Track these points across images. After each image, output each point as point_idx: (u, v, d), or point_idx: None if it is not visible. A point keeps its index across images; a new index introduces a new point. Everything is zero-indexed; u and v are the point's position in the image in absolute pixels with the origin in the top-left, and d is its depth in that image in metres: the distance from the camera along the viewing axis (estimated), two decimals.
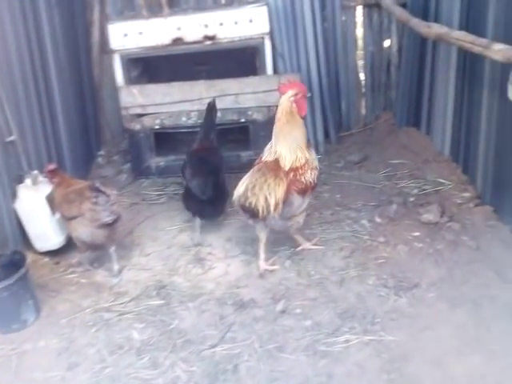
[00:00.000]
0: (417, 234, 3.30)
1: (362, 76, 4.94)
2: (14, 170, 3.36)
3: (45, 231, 3.34)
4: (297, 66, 4.52)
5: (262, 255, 3.17)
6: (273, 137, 3.13)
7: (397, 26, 4.75)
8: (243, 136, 4.49)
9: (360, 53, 4.94)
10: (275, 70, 4.42)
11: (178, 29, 4.30)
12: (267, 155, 3.15)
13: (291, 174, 3.04)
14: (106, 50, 4.81)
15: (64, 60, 4.20)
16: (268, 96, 4.29)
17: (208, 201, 3.41)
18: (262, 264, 3.16)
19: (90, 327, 2.86)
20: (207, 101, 4.27)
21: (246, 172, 3.72)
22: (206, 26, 4.28)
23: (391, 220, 3.49)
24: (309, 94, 3.25)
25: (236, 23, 4.23)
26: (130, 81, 4.44)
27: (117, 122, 4.94)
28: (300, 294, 2.93)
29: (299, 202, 3.09)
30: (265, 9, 4.23)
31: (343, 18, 4.78)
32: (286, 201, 3.01)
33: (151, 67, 4.77)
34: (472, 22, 3.51)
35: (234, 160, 4.39)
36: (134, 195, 4.20)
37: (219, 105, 4.30)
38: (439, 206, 3.46)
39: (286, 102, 3.04)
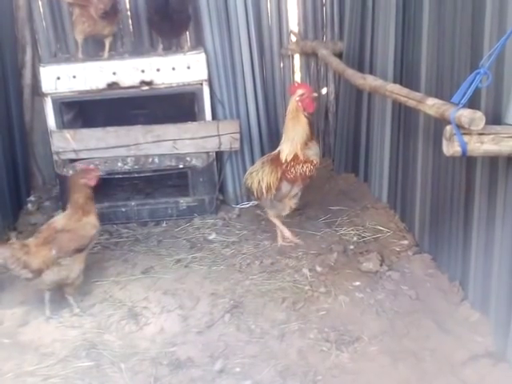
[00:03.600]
0: (357, 283, 3.26)
1: None
2: None
3: None
4: (236, 112, 4.50)
5: (285, 231, 3.75)
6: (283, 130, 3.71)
7: (334, 74, 4.85)
8: (182, 181, 4.41)
9: None
10: (214, 116, 4.37)
11: (114, 73, 4.19)
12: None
13: (285, 165, 3.61)
14: (38, 92, 4.64)
15: None
16: (207, 142, 4.24)
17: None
18: (288, 233, 3.74)
19: None
20: (144, 146, 4.20)
21: (185, 219, 4.21)
22: (143, 71, 4.19)
23: (332, 269, 3.44)
24: (315, 94, 3.77)
25: (173, 69, 4.18)
26: (63, 125, 4.26)
27: (48, 167, 4.74)
28: (240, 351, 2.80)
29: (287, 189, 3.64)
30: (203, 56, 4.21)
31: (281, 66, 4.85)
32: (278, 187, 3.59)
33: (85, 111, 4.62)
34: (406, 75, 3.62)
35: (172, 207, 4.28)
36: None
37: (156, 150, 4.23)
38: (378, 255, 3.46)
39: (293, 101, 3.60)
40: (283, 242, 3.79)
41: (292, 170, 3.61)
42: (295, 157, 3.61)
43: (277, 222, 3.77)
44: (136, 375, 2.69)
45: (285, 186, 3.63)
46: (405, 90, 2.87)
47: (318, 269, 3.46)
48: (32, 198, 4.60)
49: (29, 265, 2.97)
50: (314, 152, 3.68)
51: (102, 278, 3.52)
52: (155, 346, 2.90)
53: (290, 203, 3.69)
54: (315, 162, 3.67)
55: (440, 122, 2.94)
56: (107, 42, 4.35)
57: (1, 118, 4.16)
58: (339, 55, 4.53)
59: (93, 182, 3.27)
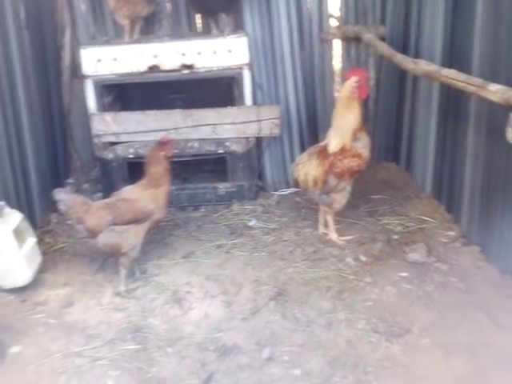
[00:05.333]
0: (404, 274, 3.20)
1: None
2: None
3: (11, 267, 3.09)
4: (275, 97, 4.44)
5: (333, 232, 3.59)
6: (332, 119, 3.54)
7: (375, 60, 4.74)
8: (219, 167, 4.37)
9: (338, 85, 4.91)
10: (254, 101, 4.31)
11: (155, 56, 4.14)
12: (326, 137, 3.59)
13: (332, 158, 3.42)
14: (76, 74, 4.62)
15: (33, 85, 3.99)
16: (247, 127, 4.18)
17: None
18: (334, 236, 3.57)
19: (59, 374, 2.61)
20: (184, 130, 4.16)
21: (224, 205, 4.12)
22: (184, 54, 4.14)
23: (376, 258, 3.39)
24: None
25: (214, 53, 4.12)
26: (103, 108, 4.24)
27: (86, 149, 4.74)
28: (287, 339, 2.77)
29: (334, 183, 3.44)
30: (244, 39, 4.14)
31: (321, 51, 4.75)
32: (324, 180, 3.42)
33: (125, 94, 4.60)
34: (456, 59, 3.50)
35: (211, 192, 4.24)
36: None
37: (196, 135, 4.18)
38: (425, 245, 3.39)
39: (348, 87, 3.41)
40: (336, 239, 3.60)
41: (339, 163, 3.41)
42: (343, 149, 3.42)
43: (329, 219, 3.61)
44: (183, 360, 2.68)
45: (332, 180, 3.45)
46: (462, 76, 2.77)
47: (363, 258, 3.41)
48: (71, 181, 4.60)
49: (84, 222, 3.09)
50: (363, 144, 3.48)
51: (144, 261, 3.51)
52: (200, 331, 2.88)
53: (338, 197, 3.51)
54: (364, 155, 3.47)
55: (493, 109, 2.86)
56: (138, 25, 4.31)
57: (41, 101, 4.14)
58: (381, 40, 4.42)
59: (171, 154, 3.34)
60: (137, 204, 3.20)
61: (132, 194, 3.26)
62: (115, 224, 3.13)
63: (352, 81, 3.43)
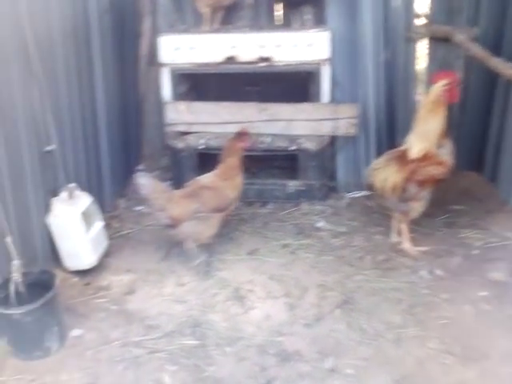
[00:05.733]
0: (484, 293, 2.96)
1: None
2: (49, 181, 3.14)
3: (77, 249, 3.10)
4: (354, 95, 4.23)
5: (407, 241, 3.38)
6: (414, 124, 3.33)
7: (463, 62, 4.46)
8: (288, 163, 4.24)
9: (421, 88, 4.66)
10: (331, 98, 4.14)
11: (233, 47, 4.06)
12: (405, 141, 3.36)
13: (414, 165, 3.22)
14: (152, 62, 4.62)
15: (111, 69, 4.01)
16: (322, 125, 4.03)
17: None
18: (409, 245, 3.36)
19: (117, 363, 2.59)
20: (257, 124, 4.05)
21: (292, 203, 4.01)
22: (263, 46, 4.03)
23: (454, 274, 3.16)
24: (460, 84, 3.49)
25: (295, 46, 3.98)
26: (177, 97, 4.20)
27: (158, 137, 4.73)
28: (351, 351, 2.62)
29: (414, 192, 3.24)
30: (327, 33, 3.97)
31: (406, 50, 4.51)
32: (404, 188, 3.21)
33: (199, 84, 4.54)
34: None
35: (279, 189, 4.12)
36: None
37: (269, 130, 4.07)
38: (508, 263, 3.13)
39: (436, 90, 3.21)
40: (411, 249, 3.39)
41: (421, 171, 3.20)
42: (426, 156, 3.21)
43: (404, 228, 3.40)
44: (241, 361, 2.59)
45: (412, 188, 3.23)
46: None
47: (438, 272, 3.19)
48: (141, 167, 4.61)
49: (167, 210, 3.11)
50: (447, 151, 3.27)
51: (209, 255, 3.43)
52: (261, 332, 2.78)
53: (417, 206, 3.30)
54: (448, 163, 3.25)
55: None
56: (218, 14, 4.23)
57: (118, 86, 4.15)
58: (473, 41, 4.14)
59: (248, 146, 3.38)
60: (220, 192, 3.23)
61: (211, 182, 3.28)
62: (200, 212, 3.14)
63: (440, 84, 3.23)
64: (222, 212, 3.26)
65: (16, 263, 2.56)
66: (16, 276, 2.56)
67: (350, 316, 2.87)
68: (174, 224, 3.15)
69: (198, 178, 3.38)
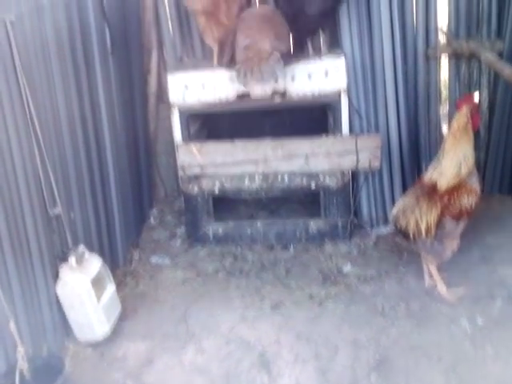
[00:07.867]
0: None
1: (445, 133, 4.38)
2: (57, 246, 2.95)
3: (89, 320, 2.90)
4: (375, 124, 3.99)
5: (442, 286, 3.13)
6: (440, 153, 3.17)
7: (488, 79, 4.18)
8: (309, 199, 4.02)
9: (443, 109, 4.39)
10: (350, 129, 3.90)
11: None
12: (429, 173, 3.17)
13: (446, 198, 3.04)
14: (162, 99, 4.44)
15: (118, 112, 3.77)
16: (343, 159, 3.78)
17: None
18: (444, 290, 3.12)
19: None
20: (274, 162, 3.83)
21: (315, 244, 3.79)
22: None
23: (496, 322, 2.89)
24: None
25: (309, 77, 3.74)
26: (189, 137, 3.98)
27: (171, 178, 4.55)
28: None
29: (451, 227, 3.05)
30: (343, 60, 3.73)
31: (427, 69, 4.25)
32: (439, 225, 3.01)
33: (210, 121, 4.34)
34: None
35: (301, 229, 3.89)
36: (188, 267, 3.73)
37: (286, 167, 3.85)
38: None
39: (462, 117, 3.09)
40: (446, 294, 3.15)
41: (456, 202, 3.02)
42: (458, 186, 3.05)
43: (434, 270, 3.16)
44: None
45: (449, 224, 3.03)
46: None
47: (479, 320, 2.92)
48: (155, 211, 4.42)
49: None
50: (476, 178, 3.15)
51: (229, 312, 3.22)
52: None
53: (453, 244, 3.09)
54: (478, 190, 3.10)
55: None
56: (228, 49, 4.01)
57: (126, 128, 3.95)
58: (498, 55, 3.87)
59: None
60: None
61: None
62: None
63: (466, 110, 3.11)
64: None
65: (21, 350, 2.37)
66: (21, 364, 2.37)
67: (388, 379, 2.62)
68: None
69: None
